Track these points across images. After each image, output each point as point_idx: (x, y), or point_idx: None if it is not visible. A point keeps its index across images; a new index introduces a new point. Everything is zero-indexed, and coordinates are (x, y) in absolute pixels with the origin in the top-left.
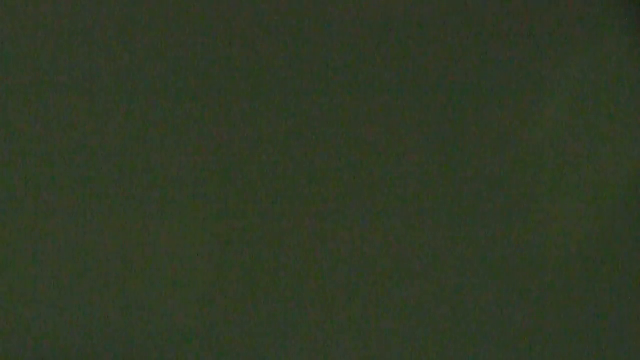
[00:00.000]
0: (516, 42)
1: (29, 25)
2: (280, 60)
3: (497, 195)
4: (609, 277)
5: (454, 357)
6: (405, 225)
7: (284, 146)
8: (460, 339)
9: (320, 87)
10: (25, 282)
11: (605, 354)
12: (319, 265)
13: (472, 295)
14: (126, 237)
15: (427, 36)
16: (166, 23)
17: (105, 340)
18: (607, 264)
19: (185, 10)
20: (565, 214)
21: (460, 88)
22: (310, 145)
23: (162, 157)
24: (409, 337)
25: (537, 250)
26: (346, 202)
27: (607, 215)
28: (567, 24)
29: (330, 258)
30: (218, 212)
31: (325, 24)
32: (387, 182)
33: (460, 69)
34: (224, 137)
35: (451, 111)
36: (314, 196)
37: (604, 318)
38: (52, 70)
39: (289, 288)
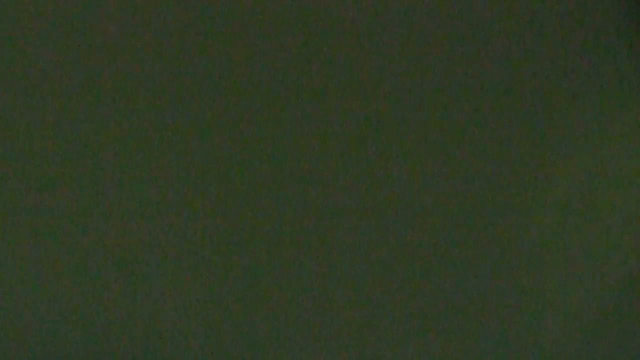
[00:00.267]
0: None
1: (29, 25)
2: (280, 60)
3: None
4: None
5: None
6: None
7: (284, 146)
8: None
9: (320, 87)
10: (25, 282)
11: None
12: (319, 266)
13: None
14: (124, 237)
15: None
16: (165, 22)
17: (104, 340)
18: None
19: (184, 9)
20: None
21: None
22: (312, 145)
23: (162, 157)
24: (409, 339)
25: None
26: (346, 203)
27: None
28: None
29: (331, 258)
30: (217, 211)
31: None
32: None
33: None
34: (224, 136)
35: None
36: (316, 197)
37: None
38: (51, 69)
39: (290, 289)
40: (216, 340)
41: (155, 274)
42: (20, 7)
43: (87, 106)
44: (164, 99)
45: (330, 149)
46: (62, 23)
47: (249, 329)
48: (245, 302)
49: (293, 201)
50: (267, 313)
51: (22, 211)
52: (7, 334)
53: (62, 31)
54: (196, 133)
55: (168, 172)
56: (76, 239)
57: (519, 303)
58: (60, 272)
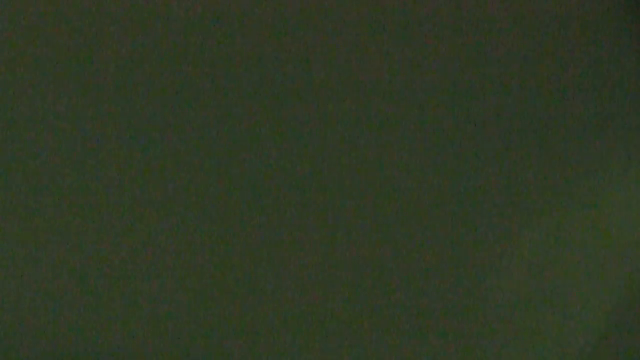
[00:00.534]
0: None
1: (29, 25)
2: (280, 60)
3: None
4: None
5: None
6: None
7: (284, 146)
8: None
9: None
10: (25, 282)
11: None
12: (320, 266)
13: None
14: (124, 237)
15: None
16: (163, 21)
17: (103, 339)
18: None
19: (184, 9)
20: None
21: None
22: (311, 145)
23: (161, 156)
24: (408, 339)
25: None
26: (346, 203)
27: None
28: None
29: (332, 258)
30: (217, 211)
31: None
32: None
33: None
34: (223, 136)
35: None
36: (315, 196)
37: None
38: (50, 69)
39: (290, 289)
40: (216, 340)
41: (155, 274)
42: (21, 7)
43: (87, 106)
44: (163, 98)
45: (330, 149)
46: (62, 23)
47: (249, 329)
48: (245, 301)
49: (293, 201)
50: (267, 313)
51: (22, 211)
52: (6, 333)
53: (62, 31)
54: (196, 133)
55: (168, 172)
56: (75, 238)
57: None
58: (60, 271)
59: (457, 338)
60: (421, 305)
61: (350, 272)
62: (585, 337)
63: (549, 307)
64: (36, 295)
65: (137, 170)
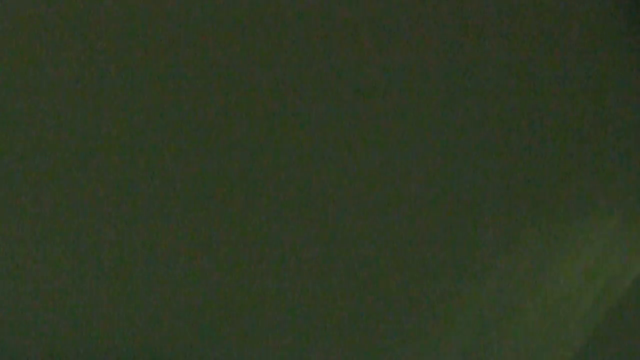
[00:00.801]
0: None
1: (29, 25)
2: (279, 59)
3: None
4: None
5: None
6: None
7: (284, 146)
8: None
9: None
10: (24, 282)
11: None
12: (319, 266)
13: None
14: (124, 237)
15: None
16: (165, 22)
17: (103, 340)
18: None
19: (183, 9)
20: None
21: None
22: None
23: (161, 156)
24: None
25: None
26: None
27: None
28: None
29: (331, 259)
30: (216, 211)
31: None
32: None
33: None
34: (223, 136)
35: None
36: (315, 197)
37: None
38: (50, 68)
39: (289, 289)
40: (216, 340)
41: (155, 274)
42: (20, 7)
43: (86, 105)
44: (163, 98)
45: (330, 149)
46: (62, 22)
47: (249, 329)
48: (244, 301)
49: (292, 201)
50: (266, 313)
51: (22, 211)
52: (6, 334)
53: (62, 30)
54: (196, 133)
55: (167, 172)
56: (75, 238)
57: None
58: (59, 271)
59: (458, 337)
60: (421, 305)
61: (349, 272)
62: (580, 338)
63: (547, 308)
64: (36, 295)
65: (138, 170)
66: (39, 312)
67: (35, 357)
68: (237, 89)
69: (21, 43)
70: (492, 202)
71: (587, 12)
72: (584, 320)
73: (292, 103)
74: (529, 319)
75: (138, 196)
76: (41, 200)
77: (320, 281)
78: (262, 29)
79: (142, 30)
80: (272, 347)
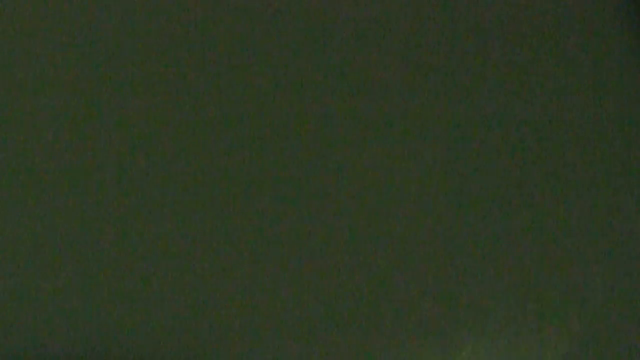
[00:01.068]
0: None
1: (29, 25)
2: (279, 59)
3: None
4: None
5: None
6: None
7: (283, 146)
8: None
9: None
10: (24, 281)
11: None
12: (319, 266)
13: None
14: (123, 236)
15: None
16: (165, 22)
17: (102, 340)
18: None
19: (182, 8)
20: None
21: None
22: (311, 145)
23: (161, 156)
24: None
25: None
26: (345, 203)
27: None
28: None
29: (331, 259)
30: (216, 211)
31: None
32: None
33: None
34: (222, 136)
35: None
36: (315, 197)
37: None
38: (49, 68)
39: (289, 289)
40: (216, 340)
41: (155, 274)
42: (20, 7)
43: (86, 105)
44: (163, 98)
45: (330, 149)
46: (61, 22)
47: (249, 329)
48: (244, 301)
49: (292, 201)
50: (266, 313)
51: (22, 211)
52: (6, 333)
53: (61, 30)
54: (195, 133)
55: (167, 172)
56: (75, 238)
57: None
58: (60, 271)
59: (457, 338)
60: (420, 305)
61: (350, 272)
62: (582, 337)
63: (545, 307)
64: (36, 295)
65: (137, 169)
66: (39, 312)
67: (36, 357)
68: (237, 89)
69: (21, 43)
70: (492, 202)
71: (587, 12)
72: (586, 319)
73: (292, 103)
74: (529, 319)
75: (138, 196)
76: (41, 200)
77: (320, 281)
78: (262, 29)
79: (142, 30)
80: (272, 347)
